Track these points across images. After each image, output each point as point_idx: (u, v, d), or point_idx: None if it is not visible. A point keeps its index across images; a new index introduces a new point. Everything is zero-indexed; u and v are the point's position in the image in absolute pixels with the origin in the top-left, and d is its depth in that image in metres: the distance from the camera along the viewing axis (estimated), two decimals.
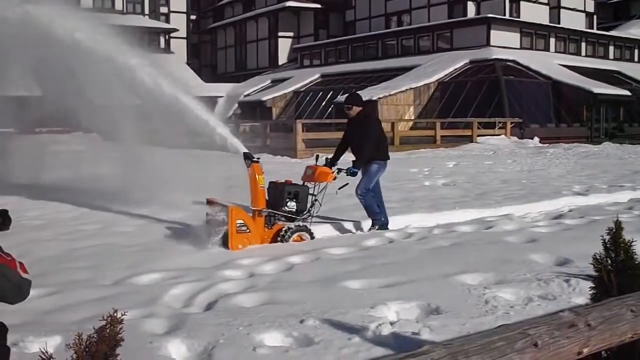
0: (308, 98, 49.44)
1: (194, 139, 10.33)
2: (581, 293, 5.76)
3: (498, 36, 43.97)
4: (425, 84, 41.43)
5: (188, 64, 65.95)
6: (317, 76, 52.61)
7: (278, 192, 9.02)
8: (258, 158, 8.92)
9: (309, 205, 9.20)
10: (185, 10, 72.46)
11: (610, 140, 34.72)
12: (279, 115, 50.27)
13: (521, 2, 47.96)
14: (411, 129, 36.94)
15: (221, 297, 6.16)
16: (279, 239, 8.73)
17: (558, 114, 39.52)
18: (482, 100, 38.10)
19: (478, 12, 48.09)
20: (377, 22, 55.64)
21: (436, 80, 41.65)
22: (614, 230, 3.75)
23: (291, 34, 62.54)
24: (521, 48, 45.02)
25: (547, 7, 49.96)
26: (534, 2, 48.69)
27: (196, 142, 10.41)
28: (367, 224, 10.07)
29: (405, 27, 52.03)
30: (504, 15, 46.19)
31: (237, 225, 8.40)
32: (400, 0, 53.45)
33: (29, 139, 16.42)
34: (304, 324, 5.18)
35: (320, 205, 9.33)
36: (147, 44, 61.74)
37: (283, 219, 9.00)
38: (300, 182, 9.37)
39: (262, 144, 28.91)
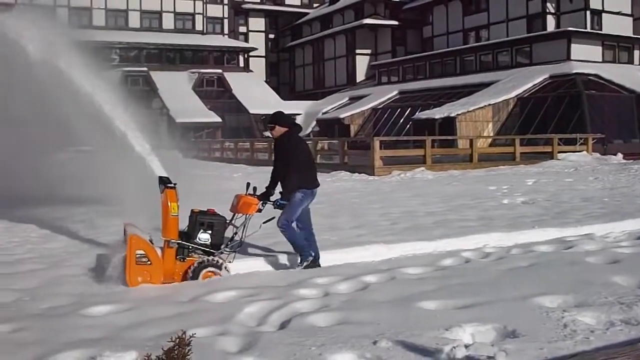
0: (386, 115, 49.42)
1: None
2: None
3: (579, 50, 43.10)
4: (504, 100, 40.90)
5: (267, 82, 66.95)
6: (394, 93, 52.59)
7: (192, 223, 8.23)
8: (175, 184, 8.04)
9: (228, 238, 8.39)
10: (264, 29, 73.70)
11: None
12: (357, 132, 50.37)
13: (603, 15, 46.98)
14: (490, 145, 36.48)
15: (295, 316, 6.15)
16: (188, 275, 7.97)
17: None
18: (562, 115, 37.39)
19: (558, 25, 47.32)
20: (454, 38, 55.36)
21: (515, 96, 41.07)
22: None
23: (369, 51, 62.77)
24: (603, 61, 44.01)
25: (631, 19, 48.75)
26: (617, 13, 47.55)
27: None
28: None
29: (483, 42, 51.63)
30: (585, 28, 45.32)
31: (137, 256, 7.65)
32: (478, 15, 53.09)
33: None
34: (377, 346, 5.12)
35: (242, 239, 8.42)
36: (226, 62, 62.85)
37: (200, 252, 8.21)
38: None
39: (340, 161, 28.97)
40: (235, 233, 8.41)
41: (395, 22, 61.36)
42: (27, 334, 5.92)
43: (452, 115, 39.68)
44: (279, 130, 8.70)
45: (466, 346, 5.04)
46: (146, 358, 2.29)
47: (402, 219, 12.88)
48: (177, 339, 2.32)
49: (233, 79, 60.74)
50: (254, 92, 58.87)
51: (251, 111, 56.92)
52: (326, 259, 9.02)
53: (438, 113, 40.93)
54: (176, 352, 2.24)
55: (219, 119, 55.26)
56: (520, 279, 7.48)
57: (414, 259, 9.12)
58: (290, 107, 58.20)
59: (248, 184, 8.61)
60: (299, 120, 56.66)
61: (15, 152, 14.82)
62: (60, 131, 12.21)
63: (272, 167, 8.95)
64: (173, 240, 7.96)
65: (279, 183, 8.71)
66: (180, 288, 7.52)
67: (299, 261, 8.75)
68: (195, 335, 2.50)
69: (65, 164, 14.22)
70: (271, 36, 74.92)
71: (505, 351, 4.89)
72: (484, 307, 6.19)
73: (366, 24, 60.92)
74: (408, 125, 44.39)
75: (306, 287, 7.37)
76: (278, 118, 8.81)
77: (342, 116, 51.76)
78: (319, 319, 6.00)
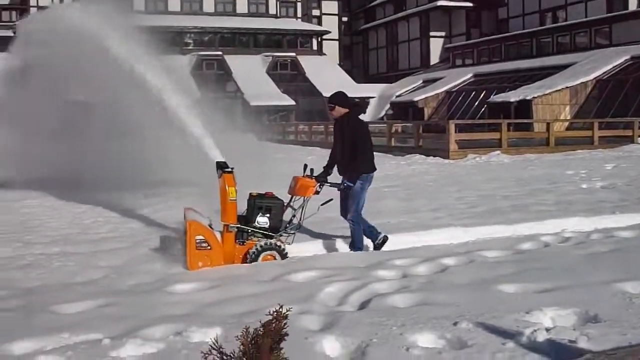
0: (460, 98, 48.96)
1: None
2: None
3: None
4: (582, 83, 40.01)
5: (340, 65, 66.95)
6: (469, 76, 52.00)
7: (250, 206, 8.25)
8: (232, 168, 8.09)
9: (286, 221, 8.42)
10: (337, 12, 73.60)
11: None
12: (431, 115, 50.04)
13: None
14: (567, 129, 35.75)
15: (375, 296, 6.24)
16: (248, 258, 8.03)
17: None
18: None
19: None
20: (531, 19, 54.30)
21: (594, 78, 40.12)
22: None
23: (443, 33, 62.15)
24: None
25: None
26: None
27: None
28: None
29: (560, 23, 50.47)
30: None
31: (197, 241, 7.76)
32: None
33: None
34: (457, 327, 5.16)
35: (300, 222, 8.42)
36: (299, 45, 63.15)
37: (259, 235, 8.23)
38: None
39: (414, 144, 28.86)
40: (294, 216, 8.42)
41: (469, 4, 60.54)
42: (116, 308, 6.19)
43: (528, 98, 39.06)
44: (339, 110, 8.53)
45: (547, 329, 5.04)
46: (244, 330, 2.41)
47: (479, 202, 12.83)
48: (275, 313, 2.42)
49: (306, 62, 60.96)
50: (328, 76, 58.92)
51: (324, 94, 56.85)
52: (404, 240, 9.09)
53: (513, 96, 40.35)
54: (273, 325, 2.34)
55: (292, 102, 55.60)
56: (601, 264, 7.40)
57: (492, 242, 9.08)
58: (363, 90, 58.20)
59: (305, 166, 8.50)
60: (372, 103, 56.69)
61: (91, 138, 15.37)
62: (128, 117, 12.56)
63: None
64: (232, 225, 8.04)
65: (337, 165, 8.64)
66: (261, 268, 7.69)
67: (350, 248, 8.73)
68: (291, 310, 2.60)
69: (138, 150, 14.59)
70: (344, 19, 74.81)
71: (587, 336, 4.87)
72: (565, 292, 6.15)
73: (440, 5, 60.28)
74: (483, 109, 43.89)
75: (385, 268, 7.45)
76: (338, 98, 8.60)
77: (416, 99, 51.49)
78: (399, 300, 6.08)
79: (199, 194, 10.96)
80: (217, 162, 8.20)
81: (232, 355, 2.37)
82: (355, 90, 57.10)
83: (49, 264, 8.42)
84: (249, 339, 2.35)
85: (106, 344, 5.06)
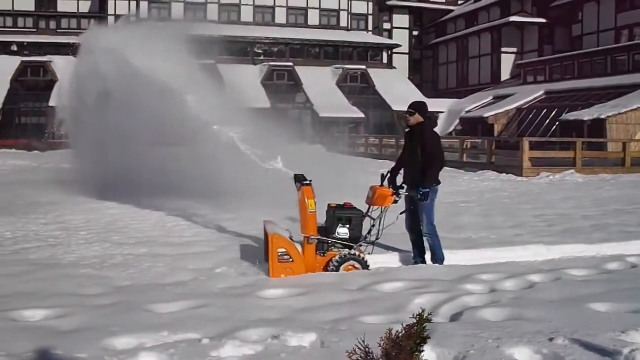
0: (531, 115, 48.37)
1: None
2: None
3: None
4: None
5: (409, 79, 66.78)
6: (540, 93, 51.29)
7: (329, 217, 8.29)
8: (310, 180, 8.13)
9: (365, 231, 8.41)
10: (407, 26, 73.47)
11: None
12: (500, 132, 49.55)
13: None
14: None
15: (465, 309, 6.30)
16: (329, 268, 8.10)
17: None
18: None
19: None
20: (605, 36, 53.32)
21: None
22: None
23: (514, 49, 61.56)
24: None
25: None
26: None
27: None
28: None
29: (637, 41, 49.41)
30: None
31: (279, 254, 7.88)
32: (632, 12, 50.88)
33: None
34: (553, 342, 5.17)
35: (380, 231, 8.37)
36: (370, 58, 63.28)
37: (340, 245, 8.27)
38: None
39: (486, 160, 28.66)
40: (373, 225, 8.42)
41: (542, 20, 59.85)
42: (210, 310, 6.36)
43: (602, 117, 38.40)
44: (417, 118, 8.56)
45: None
46: (387, 332, 2.51)
47: (558, 221, 12.72)
48: (418, 316, 2.52)
49: (376, 75, 60.97)
50: (397, 89, 58.72)
51: (393, 108, 56.79)
52: (487, 256, 9.13)
53: (587, 114, 39.72)
54: (415, 328, 2.43)
55: (361, 115, 55.64)
56: None
57: (576, 260, 9.01)
58: (433, 104, 57.56)
59: (382, 175, 8.51)
60: (441, 118, 56.39)
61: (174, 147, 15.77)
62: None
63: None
64: (312, 237, 8.12)
65: (405, 174, 8.64)
66: (347, 276, 7.78)
67: (418, 259, 8.73)
68: (432, 314, 2.69)
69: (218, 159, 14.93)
70: (415, 33, 74.62)
71: None
72: None
73: (512, 21, 59.73)
74: (554, 127, 43.26)
75: (472, 282, 7.49)
76: (420, 106, 8.67)
77: (485, 115, 51.06)
78: (490, 314, 6.12)
79: (278, 204, 11.16)
80: (295, 175, 8.32)
81: (372, 355, 2.47)
82: None
83: (138, 264, 8.68)
84: (391, 341, 2.45)
85: (206, 344, 5.22)
